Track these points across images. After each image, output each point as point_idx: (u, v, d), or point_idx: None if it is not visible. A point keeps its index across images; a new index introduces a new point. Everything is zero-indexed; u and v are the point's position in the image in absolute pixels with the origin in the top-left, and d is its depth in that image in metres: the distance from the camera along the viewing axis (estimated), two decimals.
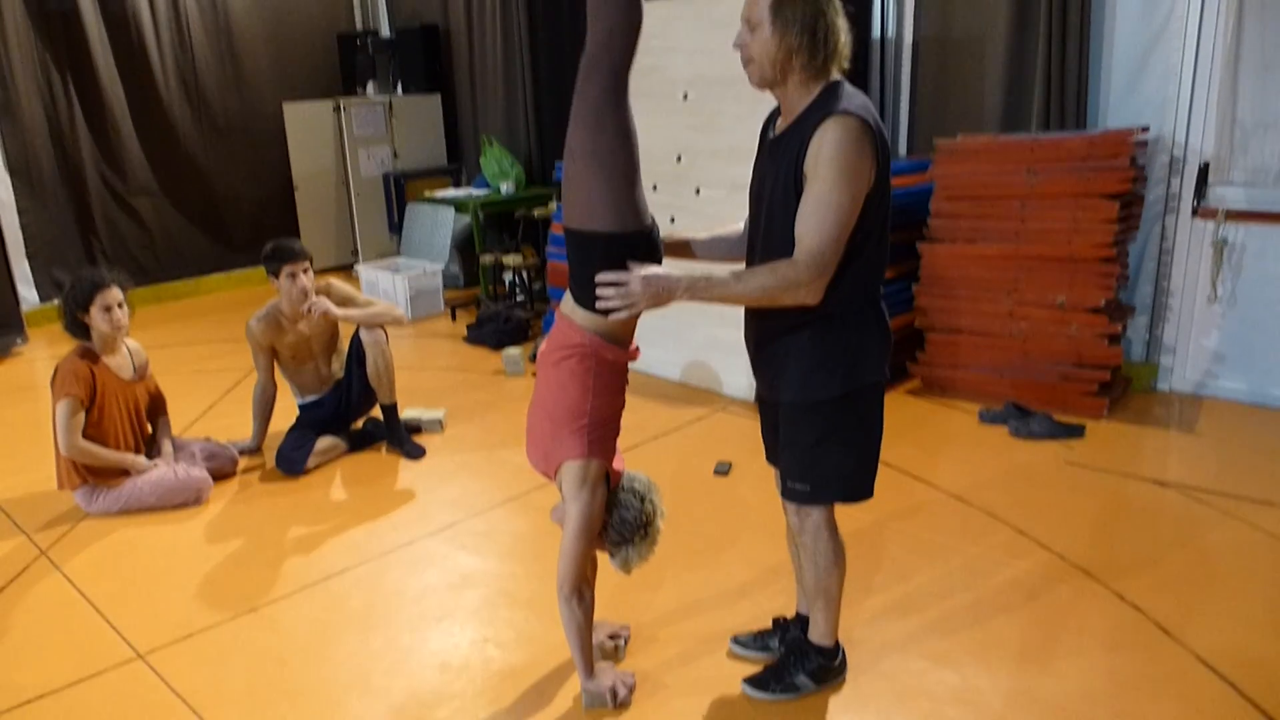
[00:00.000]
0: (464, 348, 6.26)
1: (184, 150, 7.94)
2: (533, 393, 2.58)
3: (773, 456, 2.63)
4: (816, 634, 2.65)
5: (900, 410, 4.78)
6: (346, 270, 8.13)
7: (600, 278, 2.31)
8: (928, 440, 4.45)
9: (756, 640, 2.85)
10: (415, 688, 2.78)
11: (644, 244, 2.36)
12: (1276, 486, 3.81)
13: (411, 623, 3.12)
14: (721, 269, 2.33)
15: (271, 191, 8.42)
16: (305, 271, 4.26)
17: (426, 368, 5.85)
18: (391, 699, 2.73)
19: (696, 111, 5.06)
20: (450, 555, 3.55)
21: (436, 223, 7.70)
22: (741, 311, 2.51)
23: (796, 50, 2.18)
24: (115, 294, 3.88)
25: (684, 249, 2.59)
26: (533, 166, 7.75)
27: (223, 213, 8.26)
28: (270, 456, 4.43)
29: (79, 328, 3.89)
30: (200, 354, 6.30)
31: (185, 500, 4.03)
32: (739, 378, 4.95)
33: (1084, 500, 3.78)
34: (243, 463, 4.43)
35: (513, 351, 5.68)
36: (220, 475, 4.26)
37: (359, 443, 4.63)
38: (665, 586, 3.24)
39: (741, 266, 2.41)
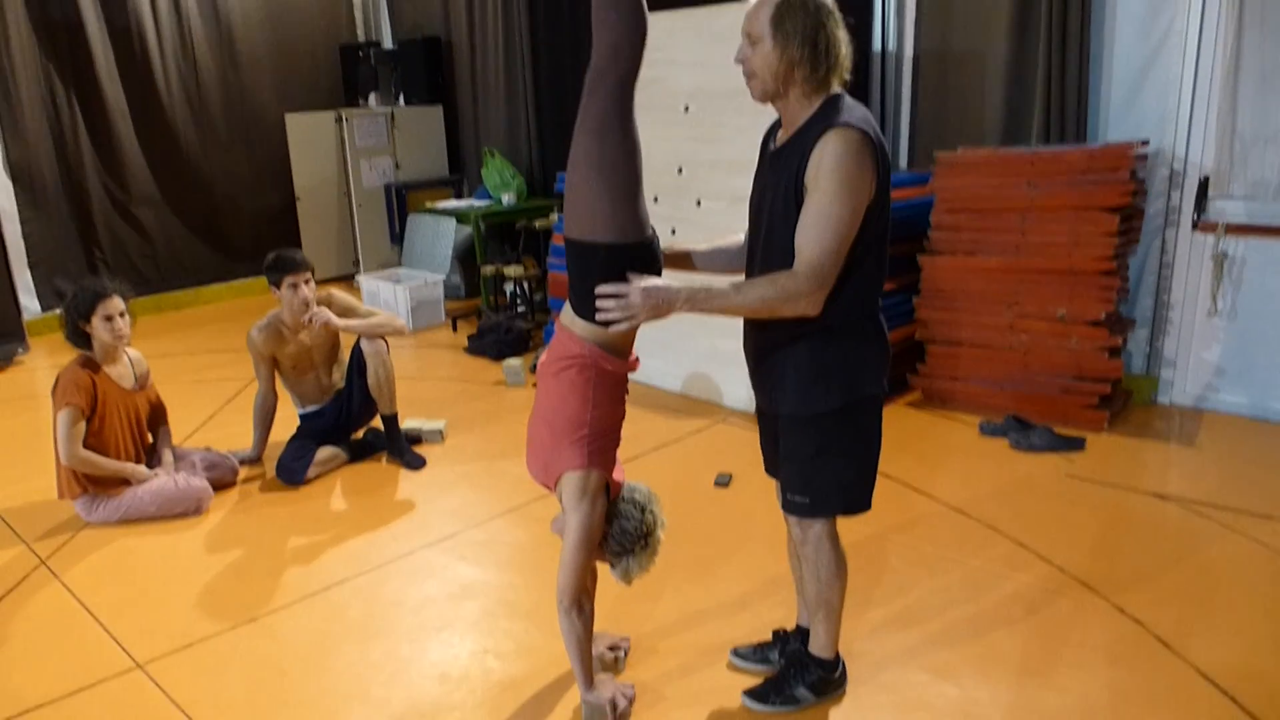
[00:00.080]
0: (465, 358, 6.27)
1: (186, 160, 7.97)
2: (533, 403, 2.59)
3: (772, 468, 2.64)
4: (817, 646, 2.65)
5: (901, 422, 4.78)
6: (348, 281, 8.15)
7: (600, 289, 2.32)
8: (928, 452, 4.45)
9: (756, 652, 2.85)
10: (415, 699, 2.77)
11: (644, 255, 2.37)
12: (1277, 500, 3.80)
13: (411, 633, 3.11)
14: (721, 280, 2.34)
15: (273, 202, 8.44)
16: (307, 282, 4.27)
17: (427, 378, 5.85)
18: (391, 710, 2.73)
19: (697, 123, 5.08)
20: (450, 566, 3.55)
21: (438, 233, 7.71)
22: (742, 323, 2.52)
23: (798, 63, 2.19)
24: (117, 303, 3.89)
25: (684, 261, 2.60)
26: (534, 178, 7.77)
27: (224, 223, 8.28)
28: (270, 466, 4.43)
29: (80, 337, 3.90)
30: (201, 364, 6.31)
31: (185, 510, 4.03)
32: (739, 389, 4.95)
33: (1084, 513, 3.78)
34: (243, 472, 4.43)
35: (513, 362, 5.69)
36: (220, 485, 4.26)
37: (359, 453, 4.63)
38: (665, 598, 3.24)
39: (742, 278, 2.41)
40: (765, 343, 2.43)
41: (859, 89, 5.39)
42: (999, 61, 5.19)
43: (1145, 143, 4.63)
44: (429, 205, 7.71)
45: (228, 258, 8.32)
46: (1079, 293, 4.51)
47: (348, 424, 4.56)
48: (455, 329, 6.97)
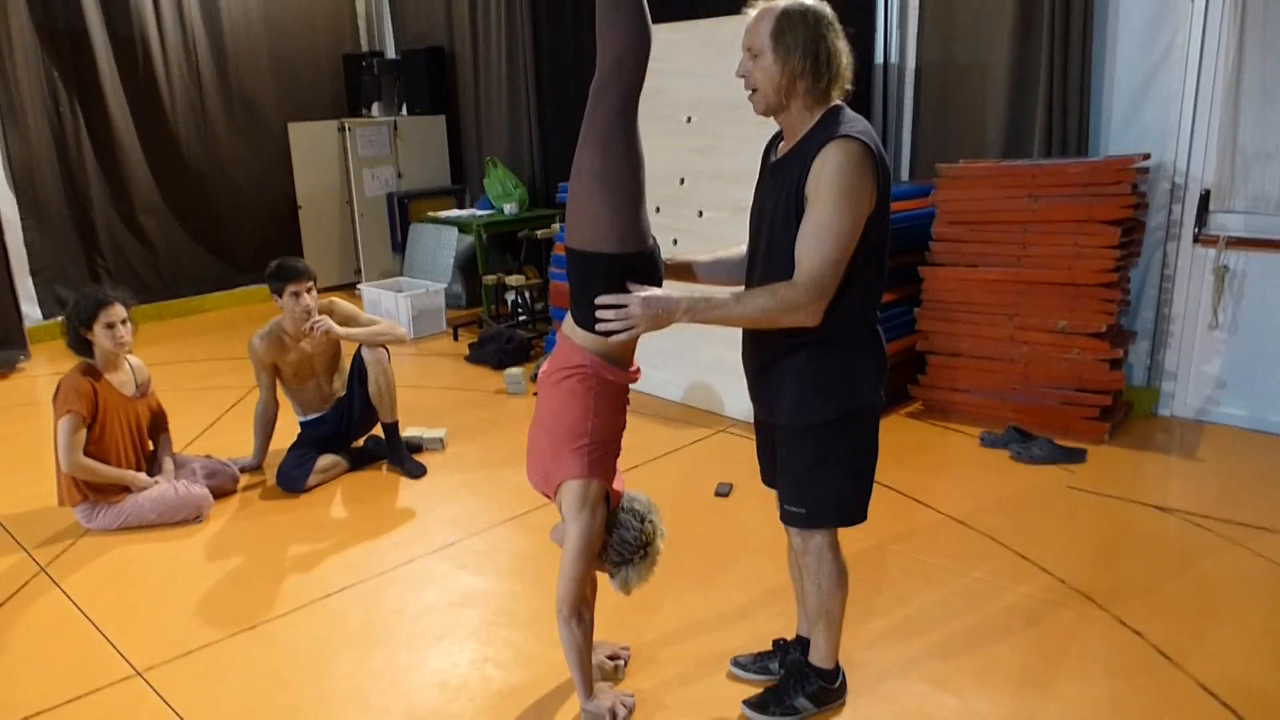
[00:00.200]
0: (466, 367, 6.27)
1: (188, 168, 7.98)
2: (534, 412, 2.59)
3: (769, 479, 2.64)
4: (817, 656, 2.65)
5: (901, 433, 4.79)
6: (349, 289, 8.15)
7: (600, 300, 2.32)
8: (929, 463, 4.45)
9: (756, 662, 2.85)
10: (414, 707, 2.77)
11: (645, 265, 2.37)
12: (1277, 513, 3.80)
13: (411, 641, 3.11)
14: (722, 291, 2.34)
15: (275, 210, 8.45)
16: (309, 291, 4.28)
17: (428, 387, 5.85)
18: (390, 718, 2.72)
19: (699, 134, 5.09)
20: (450, 574, 3.55)
21: (439, 243, 7.72)
22: (741, 334, 2.52)
23: (800, 75, 2.21)
24: (119, 311, 3.89)
25: (686, 271, 2.61)
26: (536, 188, 7.78)
27: (226, 231, 8.29)
28: (271, 474, 4.43)
29: (82, 344, 3.90)
30: (202, 371, 6.32)
31: (186, 517, 4.03)
32: (740, 399, 4.95)
33: (1085, 525, 3.77)
34: (244, 480, 4.43)
35: (514, 371, 5.69)
36: (221, 493, 4.25)
37: (360, 461, 4.63)
38: (665, 607, 3.24)
39: (743, 289, 2.42)
40: (764, 354, 2.44)
41: (861, 101, 5.42)
42: (1001, 74, 5.21)
43: (1147, 156, 4.64)
44: (431, 214, 7.72)
45: (230, 266, 8.33)
46: (1080, 305, 4.52)
47: (348, 432, 4.56)
48: (456, 338, 6.97)
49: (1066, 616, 3.12)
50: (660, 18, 2.64)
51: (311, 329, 4.27)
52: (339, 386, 4.56)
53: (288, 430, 4.54)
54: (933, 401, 5.07)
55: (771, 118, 2.32)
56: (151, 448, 4.24)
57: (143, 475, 4.05)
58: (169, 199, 7.89)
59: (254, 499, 4.30)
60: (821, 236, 2.18)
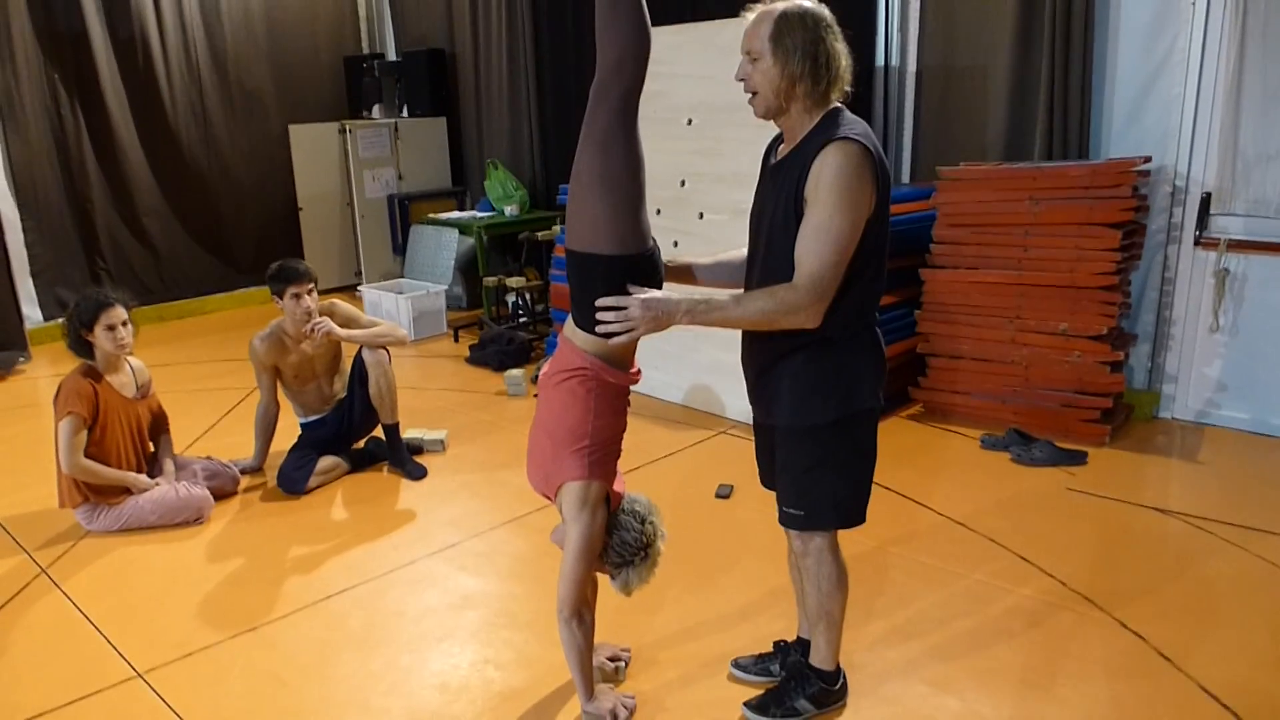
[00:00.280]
0: (466, 369, 6.27)
1: (189, 171, 7.98)
2: (534, 414, 2.59)
3: (768, 481, 2.64)
4: (818, 658, 2.65)
5: (902, 435, 4.79)
6: (350, 291, 8.15)
7: (600, 302, 2.32)
8: (930, 465, 4.45)
9: (757, 663, 2.85)
10: (415, 709, 2.77)
11: (645, 267, 2.37)
12: (1278, 515, 3.80)
13: (411, 643, 3.11)
14: (721, 293, 2.35)
15: (276, 212, 8.45)
16: (310, 292, 4.28)
17: (429, 388, 5.85)
18: None
19: (700, 136, 5.09)
20: (451, 576, 3.55)
21: (440, 245, 7.73)
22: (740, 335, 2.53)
23: (800, 78, 2.21)
24: (119, 313, 3.89)
25: (686, 274, 2.61)
26: (537, 190, 7.78)
27: (227, 233, 8.29)
28: (272, 476, 4.43)
29: (83, 346, 3.90)
30: (203, 373, 6.32)
31: (186, 519, 4.03)
32: (741, 401, 4.90)
33: (1086, 527, 3.77)
34: (244, 482, 4.43)
35: (515, 373, 5.69)
36: (221, 494, 4.26)
37: (360, 462, 4.63)
38: (666, 609, 3.24)
39: (743, 291, 2.42)
40: (763, 355, 2.44)
41: (862, 103, 5.42)
42: (1002, 77, 5.21)
43: (1148, 159, 4.64)
44: (432, 216, 7.72)
45: (230, 268, 8.33)
46: (1081, 308, 4.52)
47: (349, 434, 4.56)
48: (457, 339, 6.98)
49: (1067, 618, 3.12)
50: (660, 20, 2.64)
51: (312, 331, 4.27)
52: (340, 388, 4.56)
53: (288, 432, 4.54)
54: (933, 404, 5.07)
55: (771, 120, 2.33)
56: (152, 449, 4.24)
57: (143, 477, 4.05)
58: (170, 201, 7.89)
59: (255, 501, 4.30)
60: (821, 238, 2.18)
